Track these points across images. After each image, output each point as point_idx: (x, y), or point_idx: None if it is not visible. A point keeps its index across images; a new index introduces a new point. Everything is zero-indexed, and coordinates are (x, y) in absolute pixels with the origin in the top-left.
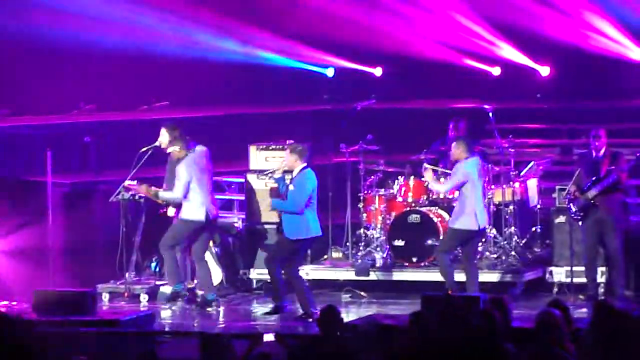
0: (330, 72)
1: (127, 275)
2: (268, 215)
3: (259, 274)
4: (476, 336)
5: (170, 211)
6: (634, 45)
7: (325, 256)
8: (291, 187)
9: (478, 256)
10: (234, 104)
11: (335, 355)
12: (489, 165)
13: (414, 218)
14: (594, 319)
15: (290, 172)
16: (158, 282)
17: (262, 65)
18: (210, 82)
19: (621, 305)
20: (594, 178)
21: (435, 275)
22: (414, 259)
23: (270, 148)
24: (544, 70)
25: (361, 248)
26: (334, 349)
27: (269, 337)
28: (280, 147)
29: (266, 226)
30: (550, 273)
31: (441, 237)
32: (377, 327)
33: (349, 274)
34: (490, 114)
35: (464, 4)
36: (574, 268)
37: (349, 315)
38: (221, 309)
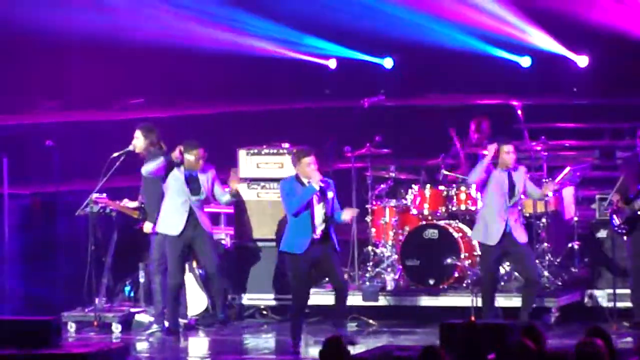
0: (332, 64)
1: (96, 301)
2: (260, 231)
3: (250, 299)
4: None
5: (147, 227)
6: None
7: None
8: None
9: (505, 277)
10: (220, 101)
11: None
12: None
13: (431, 233)
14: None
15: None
16: (133, 310)
17: (253, 56)
18: (193, 75)
19: None
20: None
21: (456, 300)
22: (431, 281)
23: (263, 152)
24: (582, 61)
25: (369, 269)
26: None
27: None
28: (275, 151)
29: (259, 244)
30: (590, 296)
31: (462, 255)
32: None
33: (355, 299)
34: (519, 112)
35: None
36: (618, 290)
37: (355, 347)
38: (206, 339)
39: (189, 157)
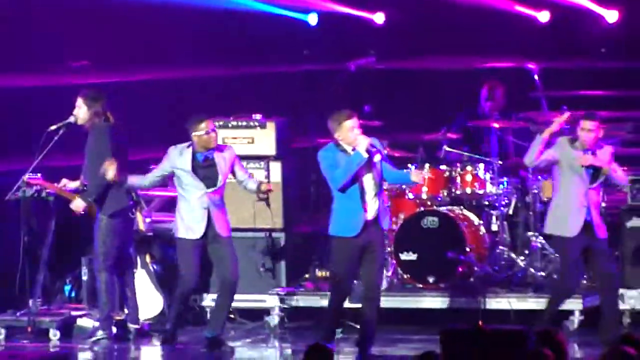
0: (312, 19)
1: (30, 302)
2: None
3: (214, 300)
4: None
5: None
6: None
7: (307, 275)
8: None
9: (520, 274)
10: (180, 65)
11: None
12: None
13: (430, 222)
14: None
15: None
16: (74, 313)
17: (219, 10)
18: (148, 34)
19: None
20: None
21: (460, 301)
22: (431, 279)
23: (231, 125)
24: (611, 16)
25: None
26: None
27: None
28: (245, 123)
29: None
30: (621, 297)
31: (467, 248)
32: None
33: None
34: (536, 77)
35: None
36: None
37: (340, 357)
38: (160, 348)
39: (198, 134)
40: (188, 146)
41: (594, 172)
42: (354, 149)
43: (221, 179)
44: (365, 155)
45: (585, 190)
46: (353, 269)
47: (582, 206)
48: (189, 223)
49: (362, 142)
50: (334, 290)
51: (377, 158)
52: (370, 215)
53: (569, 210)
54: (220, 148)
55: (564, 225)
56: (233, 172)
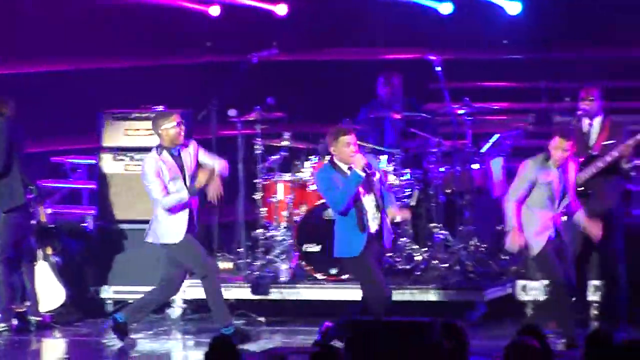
0: (215, 11)
1: None
2: (129, 212)
3: (115, 292)
4: None
5: None
6: None
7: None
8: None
9: (422, 266)
10: (81, 56)
11: None
12: (438, 140)
13: (332, 213)
14: (586, 351)
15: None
16: None
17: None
18: (48, 25)
19: (621, 335)
20: (584, 157)
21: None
22: (333, 271)
23: (132, 117)
24: (513, 7)
25: (259, 256)
26: None
27: None
28: (146, 115)
29: (125, 226)
30: (523, 288)
31: None
32: None
33: (242, 292)
34: (438, 68)
35: None
36: None
37: (242, 348)
38: (63, 340)
39: (167, 128)
40: (158, 152)
41: (563, 192)
42: (350, 169)
43: (188, 175)
44: (363, 174)
45: (554, 212)
46: (378, 277)
47: (547, 229)
48: (175, 227)
49: (359, 161)
50: (371, 308)
51: (376, 177)
52: (373, 230)
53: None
54: (185, 143)
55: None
56: (200, 164)
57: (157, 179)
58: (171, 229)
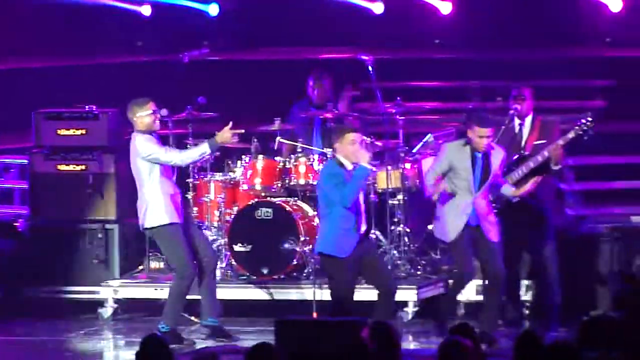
0: (146, 10)
1: None
2: (60, 211)
3: (46, 292)
4: None
5: None
6: None
7: (141, 267)
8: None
9: None
10: (11, 54)
11: None
12: (370, 140)
13: (265, 213)
14: (515, 352)
15: None
16: None
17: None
18: None
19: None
20: (516, 156)
21: (295, 293)
22: (265, 270)
23: (64, 116)
24: (445, 7)
25: None
26: None
27: None
28: (79, 115)
29: (57, 225)
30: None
31: (301, 239)
32: None
33: None
34: (370, 68)
35: None
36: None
37: (174, 347)
38: None
39: (142, 116)
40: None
41: (483, 177)
42: (355, 164)
43: None
44: (371, 168)
45: (472, 197)
46: (352, 288)
47: (464, 213)
48: (170, 209)
49: (364, 156)
50: (335, 310)
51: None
52: (362, 230)
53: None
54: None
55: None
56: None
57: (159, 146)
58: (159, 211)
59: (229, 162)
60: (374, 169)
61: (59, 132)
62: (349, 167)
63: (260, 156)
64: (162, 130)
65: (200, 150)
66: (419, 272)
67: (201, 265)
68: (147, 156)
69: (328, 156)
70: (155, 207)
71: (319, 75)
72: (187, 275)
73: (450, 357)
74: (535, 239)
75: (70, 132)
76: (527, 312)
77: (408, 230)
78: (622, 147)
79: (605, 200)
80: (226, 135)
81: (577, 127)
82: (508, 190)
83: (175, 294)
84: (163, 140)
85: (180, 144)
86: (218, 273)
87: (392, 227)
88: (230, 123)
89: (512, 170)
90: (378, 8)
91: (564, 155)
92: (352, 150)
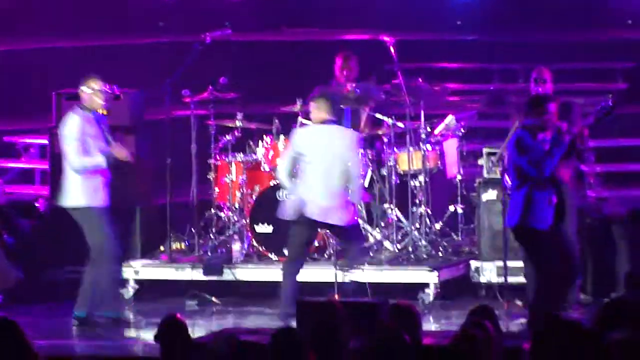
0: None
1: None
2: None
3: (71, 272)
4: None
5: None
6: None
7: (162, 248)
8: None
9: (375, 247)
10: (32, 34)
11: None
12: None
13: (286, 194)
14: (536, 333)
15: None
16: None
17: None
18: None
19: (574, 315)
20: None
21: (316, 274)
22: (286, 252)
23: None
24: None
25: (212, 236)
26: None
27: None
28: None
29: None
30: (477, 270)
31: None
32: (234, 346)
33: (195, 273)
34: (392, 49)
35: None
36: (509, 263)
37: (195, 329)
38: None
39: (90, 90)
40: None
41: None
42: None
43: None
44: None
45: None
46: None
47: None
48: (88, 191)
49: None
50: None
51: None
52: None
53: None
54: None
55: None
56: None
57: (78, 139)
58: (76, 191)
59: (251, 142)
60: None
61: None
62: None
63: (282, 137)
64: (185, 111)
65: (96, 161)
66: (440, 254)
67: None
68: (63, 137)
69: None
70: (73, 188)
71: (347, 56)
72: (102, 261)
73: (467, 338)
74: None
75: None
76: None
77: (429, 211)
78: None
79: (625, 183)
80: (122, 153)
81: (598, 110)
82: None
83: (89, 281)
84: (179, 123)
85: (202, 125)
86: (239, 255)
87: (414, 209)
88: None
89: None
90: None
91: (586, 136)
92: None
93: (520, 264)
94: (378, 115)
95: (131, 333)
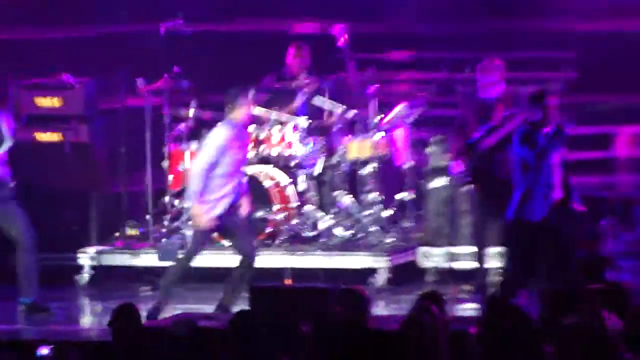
0: None
1: None
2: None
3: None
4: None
5: None
6: None
7: (117, 234)
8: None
9: (327, 233)
10: None
11: None
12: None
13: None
14: (483, 318)
15: None
16: None
17: None
18: None
19: (522, 301)
20: (486, 127)
21: (268, 260)
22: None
23: (40, 86)
24: None
25: (166, 223)
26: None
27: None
28: (55, 85)
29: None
30: (425, 255)
31: (274, 208)
32: (190, 331)
33: (149, 259)
34: (342, 39)
35: None
36: (457, 249)
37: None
38: None
39: None
40: None
41: None
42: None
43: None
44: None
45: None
46: None
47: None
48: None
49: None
50: None
51: None
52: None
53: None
54: None
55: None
56: None
57: None
58: None
59: (205, 132)
60: None
61: (36, 101)
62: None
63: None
64: (138, 100)
65: None
66: (389, 240)
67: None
68: None
69: (303, 126)
70: None
71: (300, 45)
72: (25, 247)
73: (415, 322)
74: (503, 208)
75: (46, 101)
76: (496, 279)
77: (379, 198)
78: (591, 118)
79: (573, 170)
80: None
81: None
82: None
83: (21, 265)
84: (134, 112)
85: (156, 114)
86: None
87: (363, 196)
88: None
89: (481, 141)
90: None
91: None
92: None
93: (467, 249)
94: (329, 104)
95: (86, 318)
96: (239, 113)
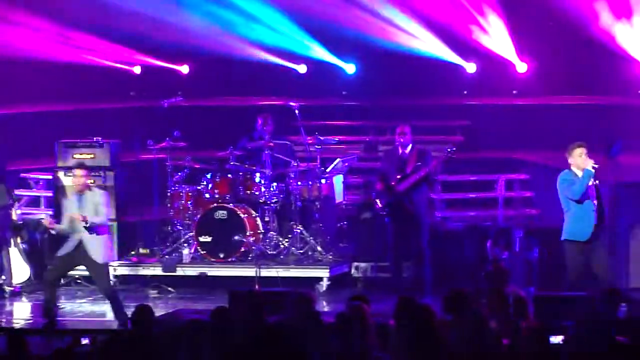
0: (137, 70)
1: None
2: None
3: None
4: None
5: None
6: (440, 42)
7: (132, 252)
8: None
9: (285, 252)
10: (40, 101)
11: (147, 355)
12: (297, 163)
13: (221, 214)
14: (397, 313)
15: None
16: None
17: (69, 62)
18: (15, 79)
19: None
20: (399, 176)
21: (242, 271)
22: (221, 255)
23: (78, 145)
24: (349, 68)
25: (169, 244)
26: (147, 348)
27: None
28: (89, 144)
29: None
30: (356, 268)
31: (247, 233)
32: (182, 321)
33: (156, 270)
34: (297, 111)
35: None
36: (379, 263)
37: (155, 310)
38: (29, 304)
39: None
40: None
41: None
42: (583, 170)
43: None
44: (592, 170)
45: None
46: (582, 270)
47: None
48: None
49: (589, 162)
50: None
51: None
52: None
53: None
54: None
55: None
56: None
57: None
58: None
59: (197, 178)
60: (593, 170)
61: (74, 156)
62: (579, 173)
63: (218, 174)
64: (149, 155)
65: None
66: (330, 256)
67: None
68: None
69: (267, 174)
70: None
71: (266, 116)
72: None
73: (345, 317)
74: (414, 232)
75: (83, 156)
76: (407, 285)
77: (323, 227)
78: (475, 168)
79: (463, 206)
80: None
81: (444, 154)
82: None
83: None
84: (145, 164)
85: (161, 165)
86: (187, 257)
87: (312, 225)
88: None
89: (398, 184)
90: (302, 68)
91: (437, 171)
92: (581, 160)
93: (387, 263)
94: (286, 158)
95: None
96: None
